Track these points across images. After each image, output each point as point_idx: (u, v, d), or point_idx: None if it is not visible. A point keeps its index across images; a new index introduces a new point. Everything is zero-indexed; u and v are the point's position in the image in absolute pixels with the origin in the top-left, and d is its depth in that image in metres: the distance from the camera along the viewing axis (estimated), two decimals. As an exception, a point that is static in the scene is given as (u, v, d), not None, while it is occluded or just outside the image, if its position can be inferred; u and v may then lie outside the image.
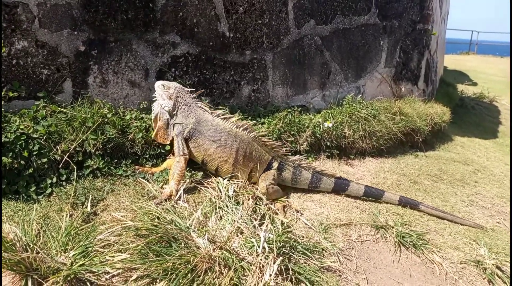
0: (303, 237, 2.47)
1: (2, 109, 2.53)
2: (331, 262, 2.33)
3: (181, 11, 3.09)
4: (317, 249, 2.40)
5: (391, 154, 4.03)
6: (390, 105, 4.14)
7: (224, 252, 2.15)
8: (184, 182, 2.66)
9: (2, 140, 2.32)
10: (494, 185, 3.97)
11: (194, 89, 2.94)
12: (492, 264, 2.64)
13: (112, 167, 2.68)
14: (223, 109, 3.18)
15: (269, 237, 2.22)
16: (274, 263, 2.08)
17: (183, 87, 2.86)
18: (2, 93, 2.55)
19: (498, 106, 8.09)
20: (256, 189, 2.81)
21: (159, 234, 2.16)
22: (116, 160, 2.74)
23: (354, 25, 4.10)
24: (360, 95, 4.23)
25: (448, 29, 22.39)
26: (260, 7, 3.42)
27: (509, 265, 2.72)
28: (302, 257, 2.29)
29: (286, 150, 3.05)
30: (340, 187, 3.05)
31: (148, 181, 2.62)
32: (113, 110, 2.84)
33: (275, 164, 2.89)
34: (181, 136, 2.73)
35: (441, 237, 2.87)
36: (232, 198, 2.59)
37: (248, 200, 2.61)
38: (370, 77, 4.36)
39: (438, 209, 3.10)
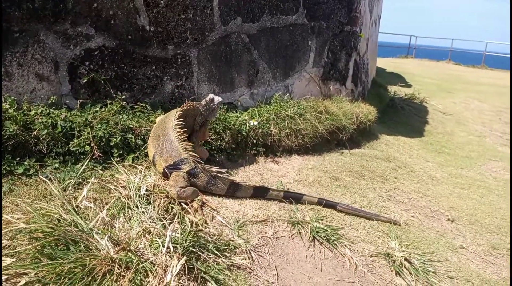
0: (216, 235, 2.44)
1: None
2: (242, 260, 2.31)
3: (95, 2, 2.95)
4: (229, 247, 2.38)
5: (317, 151, 4.11)
6: (316, 104, 4.22)
7: (128, 253, 2.07)
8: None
9: None
10: (412, 181, 4.17)
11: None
12: (401, 256, 2.75)
13: (13, 166, 2.50)
14: (142, 105, 3.09)
15: (176, 236, 2.16)
16: (178, 263, 2.03)
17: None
18: None
19: (427, 106, 8.55)
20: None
21: (56, 237, 2.03)
22: (18, 159, 2.55)
23: (282, 24, 4.14)
24: (288, 94, 4.28)
25: (389, 34, 23.56)
26: (183, 1, 3.34)
27: (418, 256, 2.86)
28: (212, 255, 2.25)
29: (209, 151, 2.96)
30: (259, 195, 2.99)
31: (51, 180, 2.46)
32: (16, 105, 2.65)
33: (185, 167, 2.73)
34: None
35: (356, 231, 2.96)
36: (143, 197, 2.50)
37: (161, 199, 2.53)
38: (298, 76, 4.43)
39: (354, 208, 3.18)
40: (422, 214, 3.58)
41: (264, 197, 2.99)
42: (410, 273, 2.66)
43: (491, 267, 3.03)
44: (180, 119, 2.91)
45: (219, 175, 2.83)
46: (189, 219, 2.40)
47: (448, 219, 3.61)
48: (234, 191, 2.89)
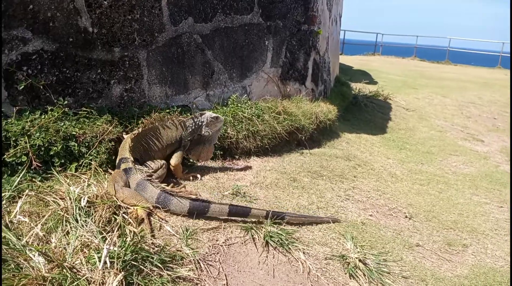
0: (161, 246, 2.33)
1: None
2: (188, 271, 2.21)
3: (31, 3, 2.78)
4: (176, 258, 2.28)
5: (277, 152, 4.05)
6: (275, 105, 4.17)
7: (63, 270, 1.94)
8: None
9: None
10: (372, 179, 4.18)
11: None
12: (356, 257, 2.71)
13: None
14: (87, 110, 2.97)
15: (115, 250, 2.05)
16: (115, 279, 1.92)
17: None
18: None
19: (391, 103, 8.66)
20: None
21: (-20, 257, 1.88)
22: None
23: (236, 24, 4.05)
24: (246, 95, 4.21)
25: (356, 32, 23.87)
26: (129, 1, 3.21)
27: (373, 257, 2.84)
28: (156, 269, 2.14)
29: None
30: (199, 210, 2.63)
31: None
32: None
33: (123, 166, 2.66)
34: None
35: (311, 233, 2.91)
36: (84, 209, 2.36)
37: (103, 210, 2.41)
38: (256, 76, 4.36)
39: (301, 215, 2.97)
40: (380, 212, 3.58)
41: (205, 214, 2.64)
42: (364, 275, 2.62)
43: (447, 264, 3.05)
44: (148, 128, 3.04)
45: (150, 179, 2.65)
46: (130, 230, 2.28)
47: (406, 217, 3.62)
48: (164, 202, 2.58)
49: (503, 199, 4.50)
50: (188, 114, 3.61)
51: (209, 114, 3.29)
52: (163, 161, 3.00)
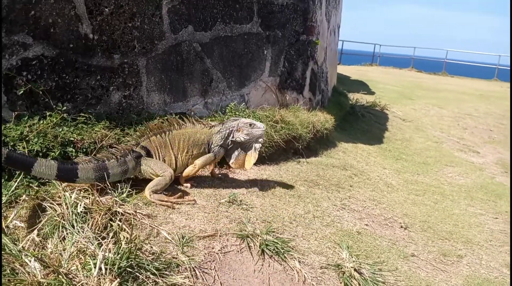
0: (157, 253, 2.33)
1: None
2: (184, 278, 2.22)
3: (32, 9, 2.80)
4: (172, 265, 2.28)
5: (274, 161, 4.07)
6: (272, 114, 4.19)
7: (59, 276, 1.94)
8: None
9: None
10: (368, 188, 4.20)
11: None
12: (351, 267, 2.73)
13: None
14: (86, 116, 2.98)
15: (110, 256, 2.05)
16: (110, 285, 1.92)
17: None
18: None
19: (388, 113, 8.71)
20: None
21: (-25, 262, 1.88)
22: None
23: (236, 33, 4.09)
24: (244, 103, 4.24)
25: (354, 42, 24.06)
26: (130, 9, 3.24)
27: (368, 266, 2.85)
28: (152, 276, 2.14)
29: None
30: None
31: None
32: None
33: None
34: None
35: (307, 242, 2.92)
36: (80, 215, 2.36)
37: (100, 216, 2.41)
38: (254, 85, 4.39)
39: None
40: (376, 222, 3.60)
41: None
42: (359, 284, 2.63)
43: (441, 274, 3.06)
44: (180, 130, 3.11)
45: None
46: (124, 236, 2.28)
47: (401, 227, 3.64)
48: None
49: (498, 210, 4.53)
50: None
51: (242, 120, 3.24)
52: (169, 171, 2.94)
